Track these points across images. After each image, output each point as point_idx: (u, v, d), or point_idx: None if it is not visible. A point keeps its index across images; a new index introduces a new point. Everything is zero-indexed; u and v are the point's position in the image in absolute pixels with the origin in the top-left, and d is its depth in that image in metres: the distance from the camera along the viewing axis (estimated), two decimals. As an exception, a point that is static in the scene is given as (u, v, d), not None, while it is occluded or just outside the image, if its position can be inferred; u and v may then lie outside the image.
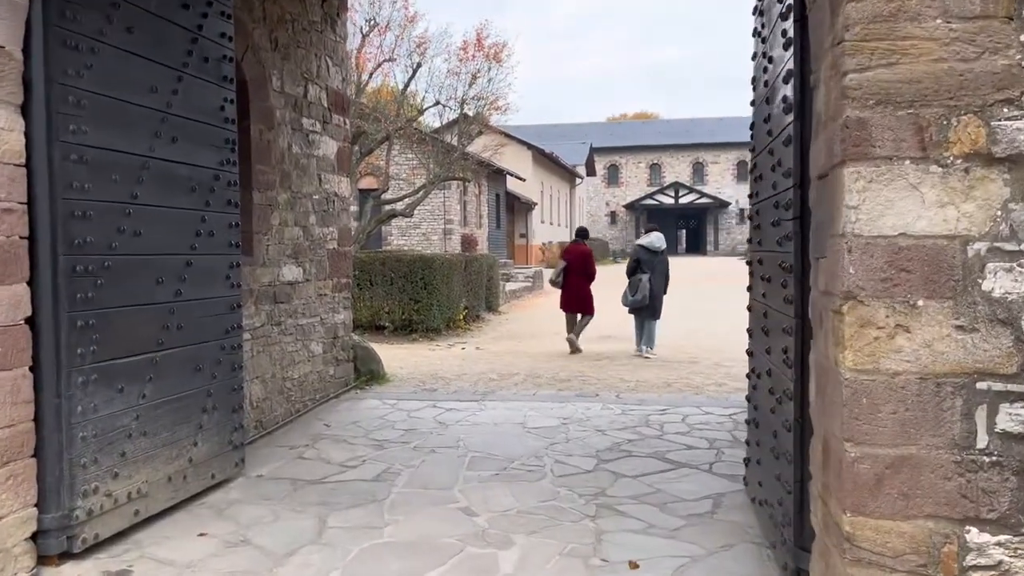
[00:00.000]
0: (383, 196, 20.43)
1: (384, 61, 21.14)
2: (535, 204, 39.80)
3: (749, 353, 4.72)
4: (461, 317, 14.27)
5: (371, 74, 20.74)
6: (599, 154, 58.43)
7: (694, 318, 15.39)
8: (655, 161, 61.64)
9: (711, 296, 20.31)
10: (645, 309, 10.66)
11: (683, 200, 58.75)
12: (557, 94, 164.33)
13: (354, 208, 26.67)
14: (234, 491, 4.92)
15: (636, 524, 4.26)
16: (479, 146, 25.06)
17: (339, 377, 7.73)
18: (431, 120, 26.50)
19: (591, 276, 11.23)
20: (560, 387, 8.23)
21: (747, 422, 4.75)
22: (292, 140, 6.78)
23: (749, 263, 4.72)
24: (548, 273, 29.83)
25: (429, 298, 13.00)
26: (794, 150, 3.21)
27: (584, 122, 68.64)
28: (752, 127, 4.63)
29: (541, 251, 39.39)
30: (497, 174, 32.93)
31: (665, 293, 10.93)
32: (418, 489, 4.90)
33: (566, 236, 47.08)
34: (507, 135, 28.65)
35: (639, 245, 11.12)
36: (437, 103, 21.71)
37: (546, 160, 42.08)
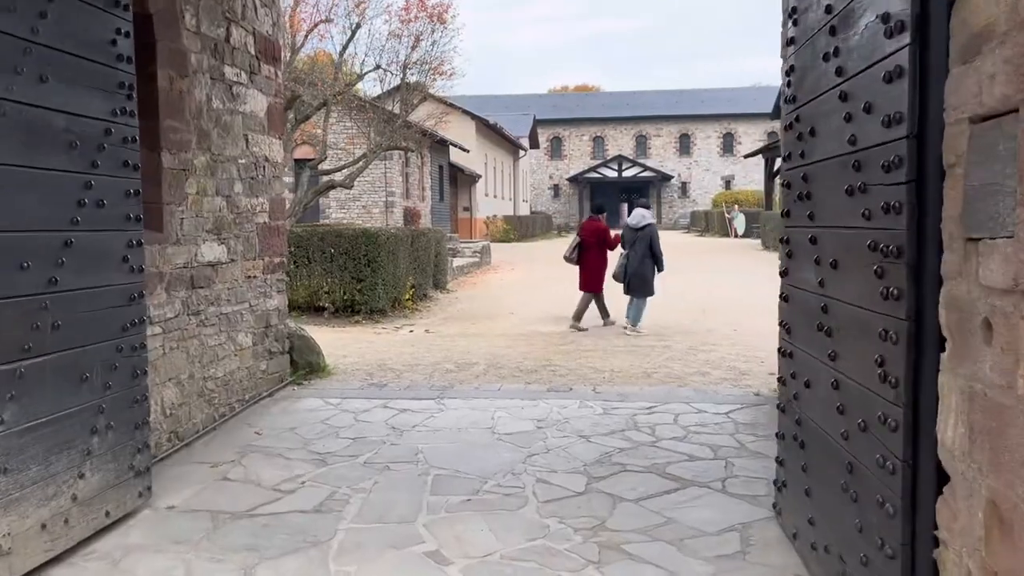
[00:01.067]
0: (320, 166, 19.11)
1: (320, 22, 19.70)
2: (479, 176, 38.67)
3: (785, 353, 3.84)
4: (408, 297, 13.21)
5: (307, 35, 19.32)
6: (542, 126, 57.40)
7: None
8: (598, 134, 60.90)
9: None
10: (628, 286, 10.46)
11: (626, 173, 58.22)
12: (497, 66, 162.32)
13: (289, 179, 25.26)
14: (136, 531, 3.87)
15: (654, 573, 3.37)
16: (422, 115, 23.82)
17: (273, 373, 6.66)
18: (371, 87, 25.12)
19: (605, 251, 11.06)
20: (527, 379, 7.30)
21: (779, 436, 3.88)
22: (212, 92, 5.64)
23: (785, 240, 3.83)
24: (496, 248, 28.95)
25: (373, 276, 11.91)
26: (909, 86, 2.30)
27: (527, 93, 67.46)
28: (790, 72, 3.72)
29: (485, 225, 38.35)
30: (440, 145, 31.68)
31: (659, 269, 10.67)
32: (372, 524, 3.92)
33: (510, 209, 46.07)
34: (450, 105, 27.45)
35: (624, 222, 10.82)
36: (378, 67, 20.39)
37: (490, 131, 40.89)
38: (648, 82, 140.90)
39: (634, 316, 10.45)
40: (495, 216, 39.71)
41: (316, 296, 11.97)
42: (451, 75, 21.48)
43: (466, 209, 38.51)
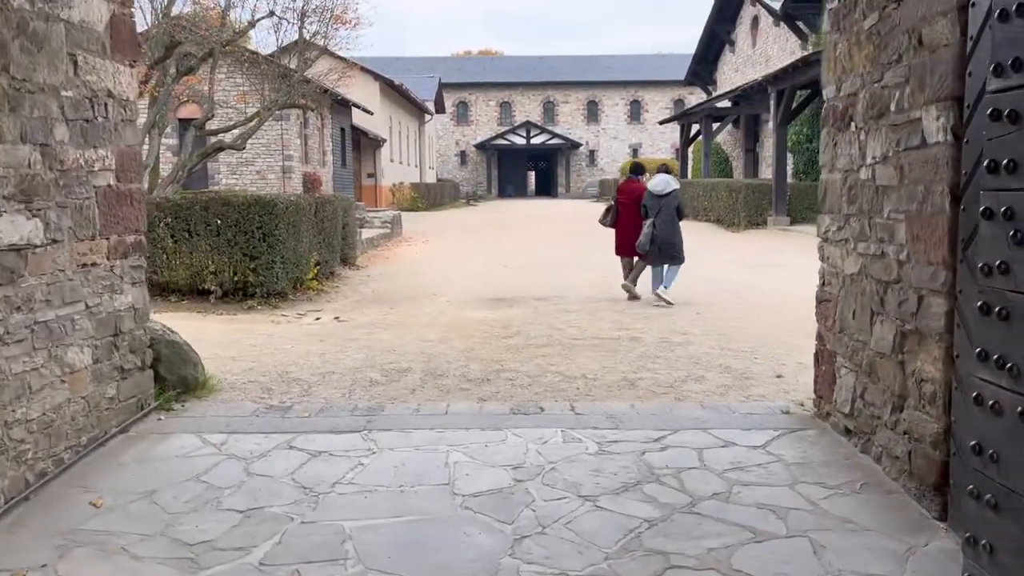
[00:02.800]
0: (207, 126, 16.68)
1: (204, -43, 17.18)
2: (384, 141, 36.34)
3: (983, 402, 2.27)
4: (312, 276, 11.25)
5: (187, -28, 16.76)
6: (448, 90, 55.13)
7: (592, 269, 13.15)
8: (505, 99, 59.03)
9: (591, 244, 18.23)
10: (659, 255, 9.90)
11: (535, 140, 56.75)
12: (396, 33, 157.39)
13: (172, 141, 22.52)
14: None
15: None
16: (322, 69, 21.51)
17: (128, 399, 4.73)
18: (265, 39, 22.54)
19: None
20: (480, 394, 5.59)
21: (974, 495, 2.33)
22: (9, -18, 3.64)
23: (989, 216, 2.25)
24: (406, 218, 26.81)
25: (270, 253, 9.92)
26: None
27: (431, 56, 64.83)
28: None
29: (392, 193, 36.15)
30: (342, 106, 29.27)
31: (678, 238, 10.04)
32: None
33: (416, 177, 43.86)
34: (352, 63, 25.08)
35: (647, 190, 10.13)
36: (271, 14, 17.96)
37: (395, 93, 38.52)
38: (552, 50, 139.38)
39: (670, 281, 9.91)
40: (402, 183, 37.52)
41: (200, 278, 9.90)
42: (355, 24, 19.29)
43: (371, 176, 36.20)
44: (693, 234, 21.77)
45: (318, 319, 9.21)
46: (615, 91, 58.24)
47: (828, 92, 4.63)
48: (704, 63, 34.84)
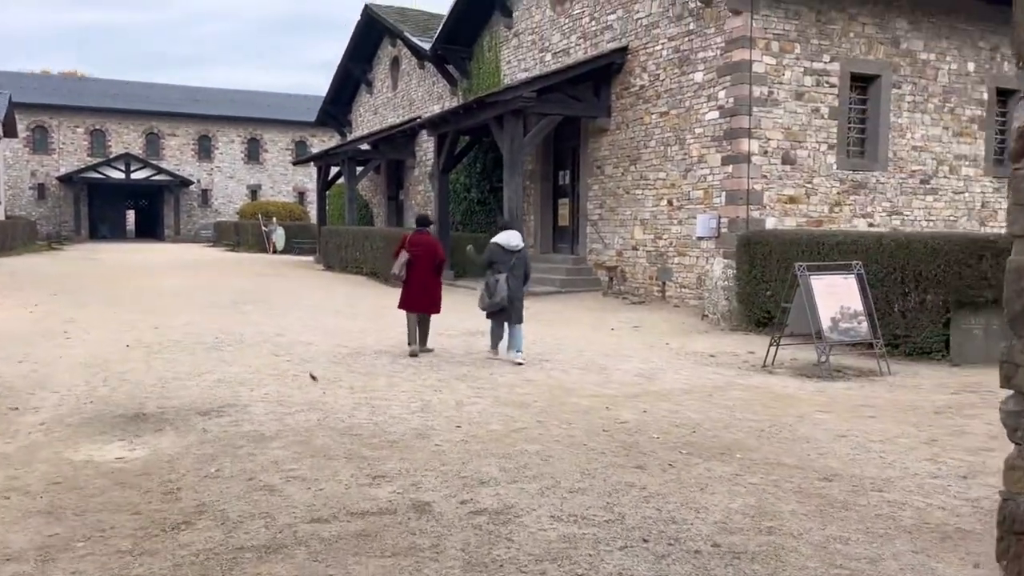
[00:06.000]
0: None
1: None
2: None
3: None
4: None
5: None
6: (21, 111, 45.67)
7: (272, 349, 9.76)
8: (98, 127, 50.84)
9: (251, 306, 14.56)
10: (505, 312, 9.62)
11: (136, 175, 49.55)
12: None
13: None
14: None
15: None
16: None
17: None
18: None
19: (440, 269, 10.44)
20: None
21: None
22: None
23: None
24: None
25: None
26: None
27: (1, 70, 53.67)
28: None
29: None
30: None
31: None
32: None
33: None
34: None
35: (495, 243, 9.86)
36: None
37: (-55, 107, 30.07)
38: (157, 78, 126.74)
39: (519, 343, 9.64)
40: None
41: None
42: None
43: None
44: (344, 287, 19.17)
45: None
46: (232, 127, 53.42)
47: None
48: (338, 103, 32.56)
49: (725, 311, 13.23)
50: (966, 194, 15.96)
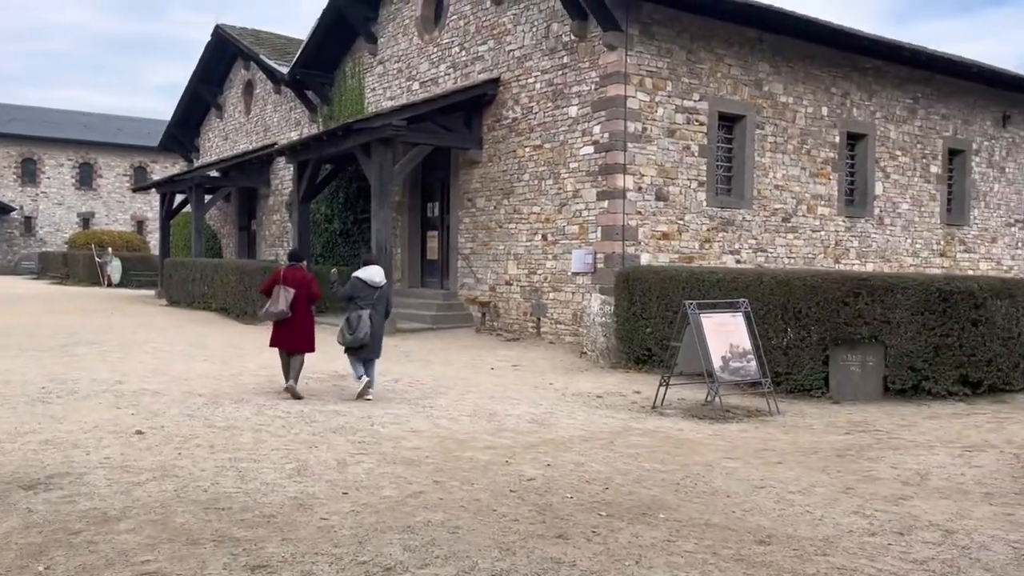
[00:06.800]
0: None
1: None
2: None
3: None
4: None
5: None
6: None
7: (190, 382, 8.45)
8: None
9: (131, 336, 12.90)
10: (365, 348, 9.44)
11: (-54, 200, 44.70)
12: None
13: None
14: None
15: None
16: None
17: None
18: None
19: (313, 304, 10.02)
20: None
21: None
22: None
23: None
24: None
25: None
26: None
27: None
28: None
29: None
30: None
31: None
32: None
33: None
34: None
35: (356, 278, 9.67)
36: None
37: None
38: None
39: (373, 380, 9.59)
40: None
41: None
42: None
43: None
44: (192, 325, 17.50)
45: None
46: (60, 150, 49.32)
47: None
48: (185, 127, 30.53)
49: (604, 348, 12.94)
50: (822, 232, 16.58)
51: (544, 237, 15.08)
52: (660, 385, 9.53)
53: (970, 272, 18.61)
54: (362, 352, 9.44)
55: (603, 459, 6.81)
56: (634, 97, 13.76)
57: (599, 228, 13.92)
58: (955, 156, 19.04)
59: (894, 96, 17.61)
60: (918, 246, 18.23)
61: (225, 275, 19.68)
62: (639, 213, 13.87)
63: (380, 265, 10.14)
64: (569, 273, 14.49)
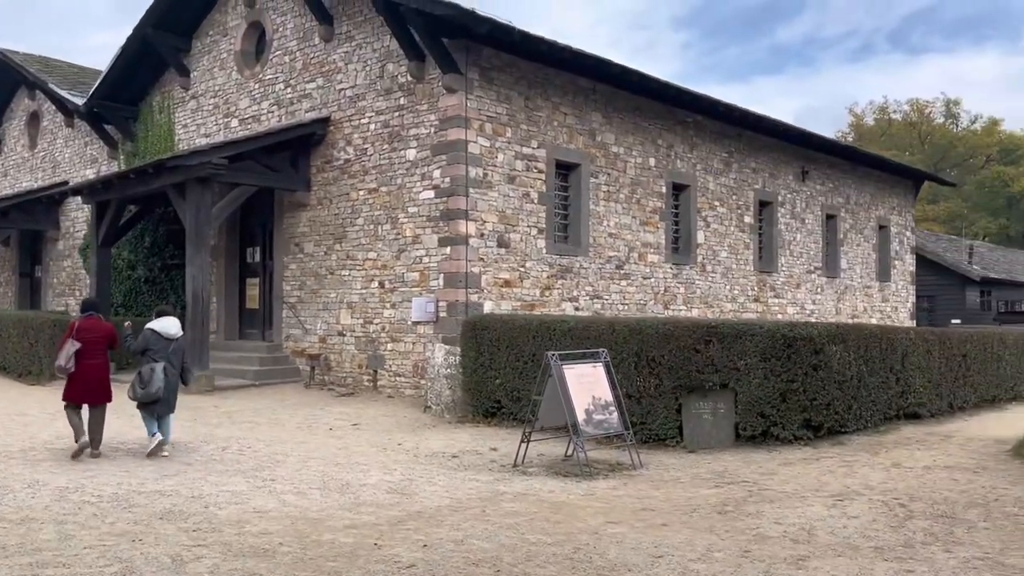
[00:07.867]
0: None
1: None
2: None
3: None
4: None
5: None
6: None
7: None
8: None
9: None
10: (159, 403, 8.98)
11: None
12: None
13: None
14: None
15: None
16: None
17: None
18: None
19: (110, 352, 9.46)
20: None
21: None
22: None
23: None
24: None
25: None
26: None
27: None
28: None
29: None
30: None
31: (185, 383, 9.61)
32: None
33: None
34: None
35: (150, 329, 9.24)
36: None
37: None
38: None
39: (168, 436, 9.17)
40: None
41: None
42: None
43: None
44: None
45: None
46: None
47: None
48: (-46, 161, 26.95)
49: (449, 401, 12.28)
50: (652, 279, 16.95)
51: (381, 284, 14.29)
52: (521, 442, 9.01)
53: (780, 316, 19.76)
54: (156, 408, 9.08)
55: (483, 533, 6.15)
56: (475, 142, 13.43)
57: (441, 275, 13.35)
58: (764, 207, 20.28)
59: (712, 149, 18.51)
60: (735, 292, 19.12)
61: (5, 328, 17.17)
62: (482, 260, 13.46)
63: (176, 316, 9.68)
64: (409, 322, 13.78)
